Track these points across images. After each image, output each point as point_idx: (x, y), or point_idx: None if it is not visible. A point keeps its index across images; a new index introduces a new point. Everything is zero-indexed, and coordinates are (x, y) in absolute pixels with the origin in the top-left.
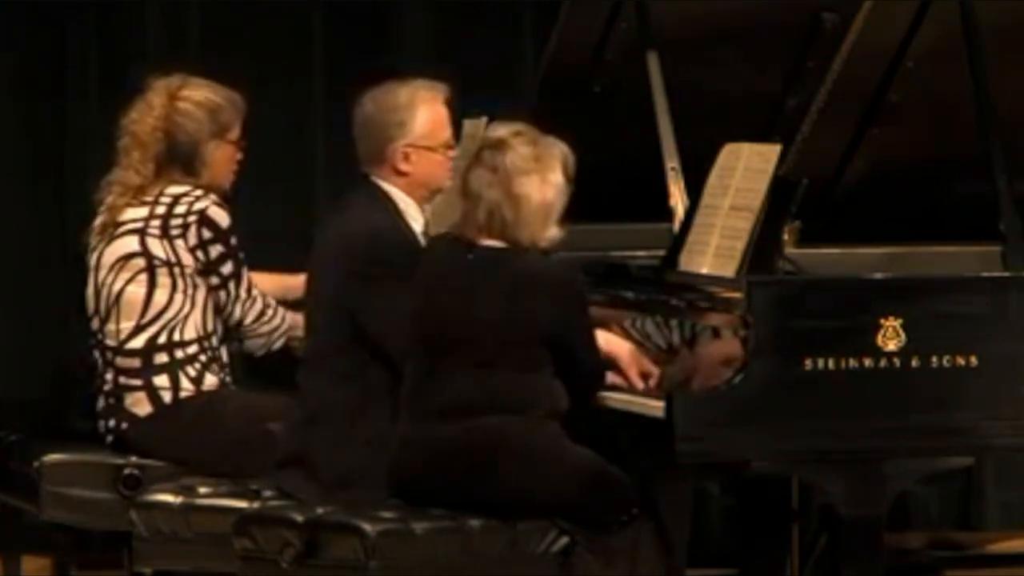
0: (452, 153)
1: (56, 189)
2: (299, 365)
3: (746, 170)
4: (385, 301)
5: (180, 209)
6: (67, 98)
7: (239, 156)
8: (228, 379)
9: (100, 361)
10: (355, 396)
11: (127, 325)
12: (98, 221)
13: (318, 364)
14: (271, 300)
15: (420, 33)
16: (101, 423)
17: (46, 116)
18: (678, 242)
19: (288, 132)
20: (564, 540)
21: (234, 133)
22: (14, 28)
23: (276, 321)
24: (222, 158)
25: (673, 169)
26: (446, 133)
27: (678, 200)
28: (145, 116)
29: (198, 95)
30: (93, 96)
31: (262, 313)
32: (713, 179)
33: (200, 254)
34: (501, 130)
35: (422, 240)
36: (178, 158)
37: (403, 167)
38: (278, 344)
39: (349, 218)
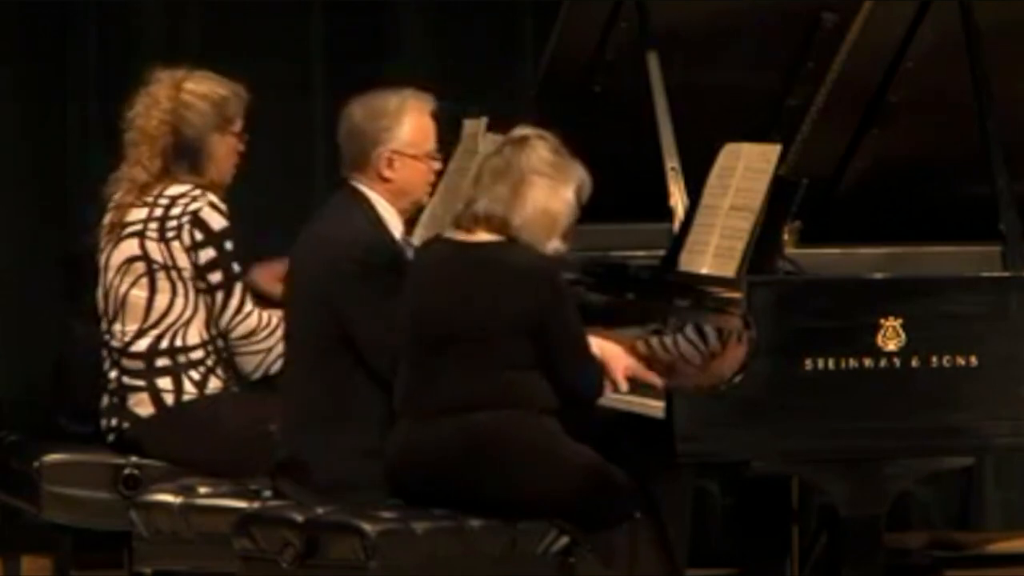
0: (435, 165)
1: (56, 189)
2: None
3: (746, 170)
4: (369, 304)
5: (176, 211)
6: (67, 98)
7: (241, 148)
8: (233, 381)
9: (107, 360)
10: (342, 401)
11: (132, 328)
12: (106, 220)
13: (301, 369)
14: (272, 319)
15: (420, 33)
16: (104, 421)
17: (46, 116)
18: (678, 242)
19: (288, 132)
20: (564, 540)
21: (237, 125)
22: (14, 28)
23: (271, 342)
24: (226, 151)
25: (673, 169)
26: (430, 143)
27: (678, 200)
28: (151, 110)
29: (203, 88)
30: (93, 96)
31: (253, 332)
32: (713, 179)
33: (192, 256)
34: (527, 130)
35: (407, 250)
36: (184, 153)
37: (386, 173)
38: (276, 367)
39: (331, 222)
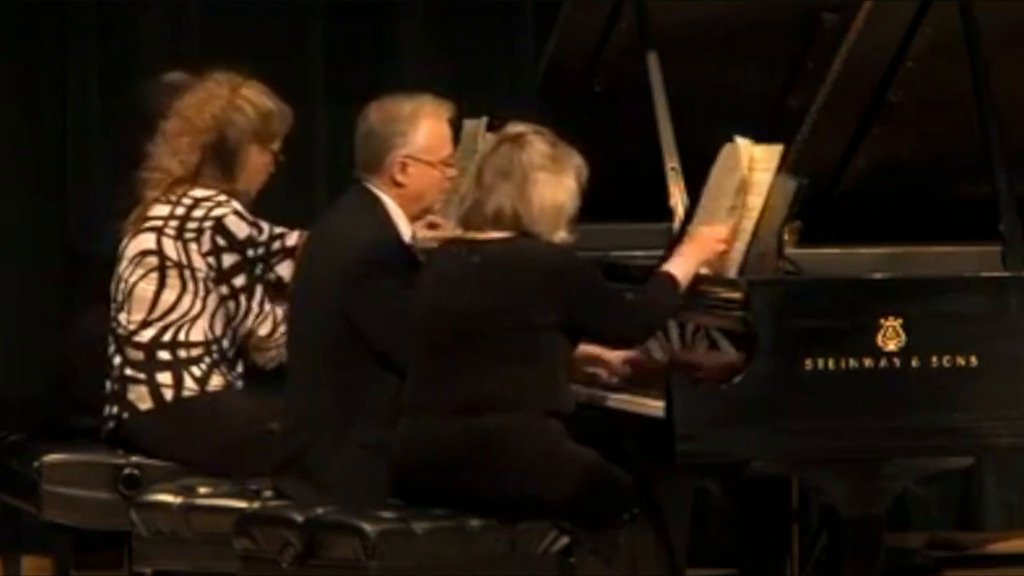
0: (450, 172)
1: (56, 189)
2: (287, 369)
3: (746, 170)
4: (382, 303)
5: (198, 213)
6: (67, 98)
7: (272, 169)
8: (238, 380)
9: (112, 346)
10: (348, 401)
11: (136, 318)
12: (135, 213)
13: (308, 367)
14: (281, 313)
15: (420, 33)
16: (106, 408)
17: (46, 116)
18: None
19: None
20: (564, 540)
21: (276, 144)
22: (14, 28)
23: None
24: (259, 165)
25: (673, 169)
26: (446, 150)
27: (678, 200)
28: (205, 104)
29: (256, 97)
30: (93, 96)
31: (274, 329)
32: (713, 179)
33: (212, 261)
34: (521, 126)
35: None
36: (221, 154)
37: (399, 177)
38: (283, 356)
39: (341, 221)
